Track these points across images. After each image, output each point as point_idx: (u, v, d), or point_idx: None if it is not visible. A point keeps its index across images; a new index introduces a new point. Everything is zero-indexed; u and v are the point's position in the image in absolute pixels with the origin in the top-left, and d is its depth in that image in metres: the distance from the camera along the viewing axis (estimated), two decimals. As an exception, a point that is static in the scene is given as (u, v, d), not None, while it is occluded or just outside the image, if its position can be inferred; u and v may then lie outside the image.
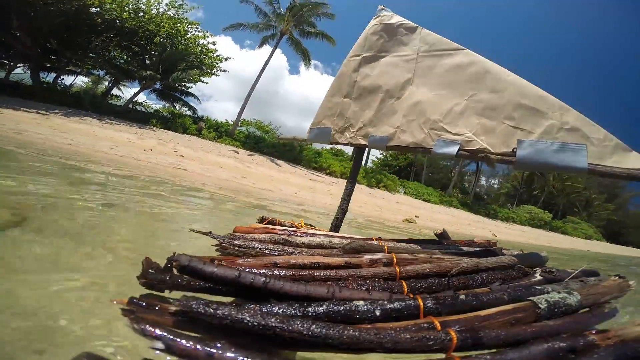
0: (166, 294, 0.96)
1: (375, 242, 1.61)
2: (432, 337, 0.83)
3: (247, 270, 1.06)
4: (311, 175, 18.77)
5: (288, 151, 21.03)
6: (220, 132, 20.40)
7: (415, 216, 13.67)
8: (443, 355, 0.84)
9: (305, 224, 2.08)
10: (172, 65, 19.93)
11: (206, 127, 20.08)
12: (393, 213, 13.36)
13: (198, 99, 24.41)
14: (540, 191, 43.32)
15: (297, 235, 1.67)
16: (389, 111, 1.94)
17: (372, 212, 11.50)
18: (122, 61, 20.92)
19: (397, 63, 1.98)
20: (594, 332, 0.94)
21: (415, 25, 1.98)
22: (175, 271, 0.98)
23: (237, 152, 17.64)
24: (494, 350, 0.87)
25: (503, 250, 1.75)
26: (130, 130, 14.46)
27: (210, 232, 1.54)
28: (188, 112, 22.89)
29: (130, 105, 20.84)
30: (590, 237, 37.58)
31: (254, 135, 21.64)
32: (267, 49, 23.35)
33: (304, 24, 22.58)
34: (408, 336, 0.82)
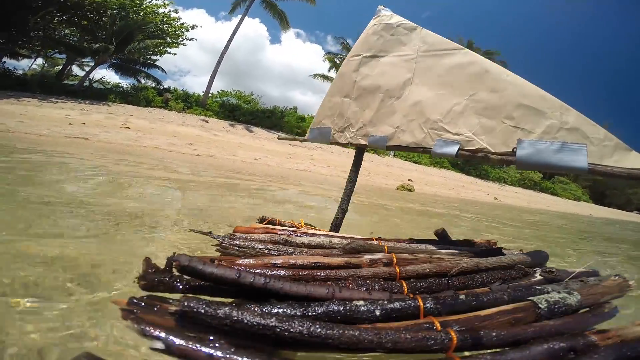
0: (166, 294, 0.96)
1: (375, 242, 1.61)
2: (432, 337, 0.83)
3: (247, 270, 1.06)
4: (292, 140, 18.21)
5: (267, 118, 20.41)
6: (189, 102, 19.71)
7: (409, 180, 13.26)
8: (443, 355, 0.84)
9: (305, 223, 2.08)
10: (128, 36, 18.83)
11: (173, 98, 19.31)
12: (385, 177, 12.85)
13: (163, 70, 23.01)
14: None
15: (297, 235, 1.67)
16: (388, 111, 1.94)
17: (360, 179, 11.13)
18: (75, 39, 19.67)
19: (397, 63, 1.98)
20: (594, 332, 0.94)
21: (415, 25, 1.98)
22: (175, 271, 0.98)
23: (207, 121, 17.24)
24: (494, 350, 0.87)
25: (503, 250, 1.75)
26: (77, 107, 13.82)
27: (210, 232, 1.54)
28: (153, 85, 21.69)
29: (86, 83, 19.67)
30: (578, 198, 37.24)
31: (229, 104, 21.00)
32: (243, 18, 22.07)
33: (277, -16, 21.01)
34: (408, 336, 0.82)
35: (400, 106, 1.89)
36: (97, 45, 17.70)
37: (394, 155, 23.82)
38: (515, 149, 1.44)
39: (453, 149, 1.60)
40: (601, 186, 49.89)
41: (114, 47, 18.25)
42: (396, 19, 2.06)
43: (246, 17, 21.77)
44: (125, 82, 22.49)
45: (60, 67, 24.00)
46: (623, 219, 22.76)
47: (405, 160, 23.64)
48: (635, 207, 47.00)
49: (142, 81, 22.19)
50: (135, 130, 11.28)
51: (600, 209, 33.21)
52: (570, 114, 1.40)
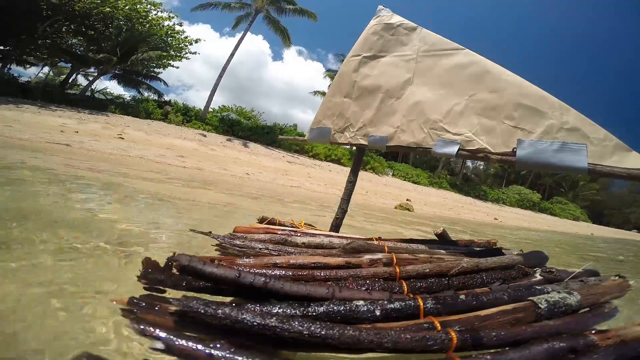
0: (166, 294, 0.95)
1: (375, 242, 1.61)
2: (432, 337, 0.83)
3: (248, 270, 1.06)
4: (290, 157, 18.20)
5: (266, 134, 20.58)
6: (189, 116, 19.83)
7: (407, 199, 13.07)
8: (443, 355, 0.84)
9: (305, 224, 2.08)
10: (132, 47, 19.00)
11: (173, 111, 19.35)
12: (382, 197, 12.70)
13: (165, 83, 23.49)
14: (527, 171, 43.13)
15: (297, 235, 1.67)
16: (388, 111, 1.94)
17: (358, 198, 10.44)
18: (81, 49, 19.89)
19: (397, 63, 1.98)
20: (594, 332, 0.94)
21: (415, 25, 1.98)
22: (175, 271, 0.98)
23: (205, 136, 17.33)
24: (494, 350, 0.87)
25: (503, 250, 1.75)
26: (74, 116, 13.76)
27: (210, 232, 1.54)
28: (154, 97, 21.95)
29: (88, 93, 19.72)
30: (577, 218, 37.33)
31: (228, 119, 21.18)
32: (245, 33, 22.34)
33: (280, 1, 21.52)
34: (408, 336, 0.82)
35: (400, 106, 1.89)
36: (101, 55, 17.81)
37: (393, 174, 24.03)
38: (515, 149, 1.44)
39: (453, 149, 1.60)
40: (599, 206, 50.40)
41: (118, 58, 18.34)
42: (396, 19, 2.06)
43: (249, 34, 22.10)
44: (127, 94, 22.76)
45: (64, 76, 24.19)
46: (627, 238, 22.32)
47: (404, 180, 23.73)
48: (634, 225, 47.73)
49: (145, 94, 22.29)
50: (129, 141, 11.12)
51: (599, 228, 32.98)
52: (570, 114, 1.40)
